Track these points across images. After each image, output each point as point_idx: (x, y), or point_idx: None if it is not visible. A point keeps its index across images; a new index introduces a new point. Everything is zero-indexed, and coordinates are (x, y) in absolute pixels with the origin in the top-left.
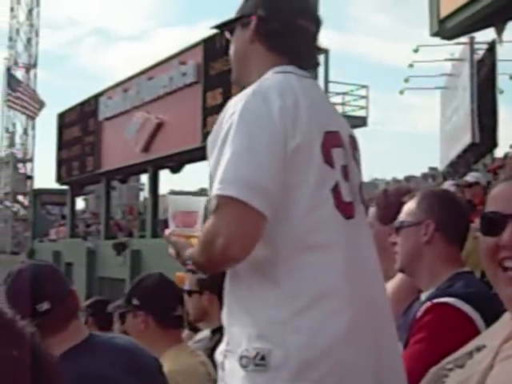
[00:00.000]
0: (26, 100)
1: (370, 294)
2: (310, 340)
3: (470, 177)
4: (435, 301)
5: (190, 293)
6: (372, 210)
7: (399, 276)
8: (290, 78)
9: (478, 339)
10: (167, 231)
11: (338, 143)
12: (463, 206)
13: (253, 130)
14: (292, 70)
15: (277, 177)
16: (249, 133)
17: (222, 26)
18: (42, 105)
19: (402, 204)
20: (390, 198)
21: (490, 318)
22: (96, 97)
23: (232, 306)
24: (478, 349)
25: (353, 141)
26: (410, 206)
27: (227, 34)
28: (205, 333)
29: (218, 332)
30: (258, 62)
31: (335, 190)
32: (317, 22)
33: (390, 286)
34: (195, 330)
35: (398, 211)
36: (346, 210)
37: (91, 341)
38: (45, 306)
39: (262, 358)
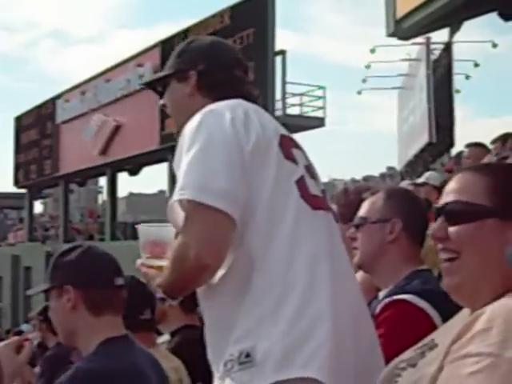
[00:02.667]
0: None
1: (342, 281)
2: (290, 328)
3: (421, 178)
4: (392, 298)
5: None
6: (332, 208)
7: (359, 274)
8: (236, 99)
9: (433, 335)
10: (138, 261)
11: (295, 145)
12: (424, 206)
13: (207, 140)
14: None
15: (236, 178)
16: (203, 143)
17: (154, 82)
18: None
19: (361, 202)
20: (351, 196)
21: (448, 315)
22: (53, 100)
23: (210, 321)
24: (431, 347)
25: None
26: (374, 202)
27: (159, 89)
28: (166, 336)
29: (177, 334)
30: (197, 110)
31: (300, 182)
32: (247, 71)
33: None
34: (158, 333)
35: (358, 209)
36: (312, 201)
37: (130, 338)
38: (120, 281)
39: (247, 355)
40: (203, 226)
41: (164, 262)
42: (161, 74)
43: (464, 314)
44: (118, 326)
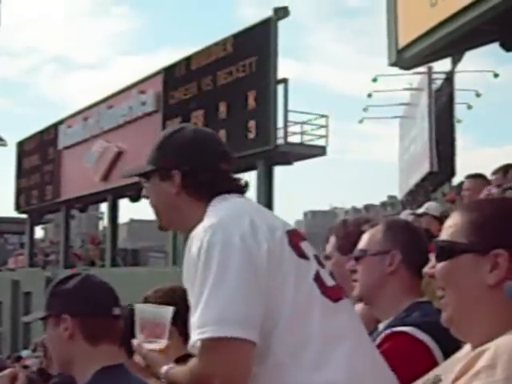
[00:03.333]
0: None
1: (375, 368)
2: None
3: (422, 208)
4: (392, 330)
5: None
6: (331, 239)
7: (359, 306)
8: (235, 202)
9: (438, 369)
10: (135, 341)
11: (301, 237)
12: (424, 237)
13: (221, 265)
14: (227, 196)
15: (252, 302)
16: (218, 269)
17: (137, 175)
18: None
19: (361, 234)
20: (350, 228)
21: (448, 347)
22: (55, 125)
23: None
24: (435, 382)
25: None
26: (374, 234)
27: (142, 181)
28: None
29: (178, 363)
30: (188, 209)
31: (317, 278)
32: (232, 160)
33: None
34: None
35: (357, 241)
36: (331, 294)
37: (125, 367)
38: (117, 311)
39: None
40: (226, 357)
41: (162, 345)
42: (142, 170)
43: (467, 349)
44: (115, 355)
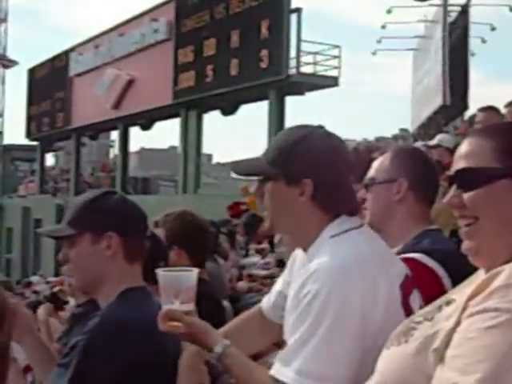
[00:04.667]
0: None
1: None
2: None
3: (434, 140)
4: (401, 256)
5: None
6: None
7: None
8: (357, 243)
9: (450, 292)
10: (171, 306)
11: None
12: (434, 166)
13: (335, 321)
14: (349, 226)
15: (354, 365)
16: (331, 324)
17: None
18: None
19: (372, 161)
20: (361, 155)
21: (457, 275)
22: (67, 52)
23: None
24: (448, 302)
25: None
26: (382, 162)
27: (259, 179)
28: None
29: None
30: (310, 221)
31: None
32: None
33: None
34: None
35: (369, 168)
36: None
37: (148, 289)
38: (149, 231)
39: None
40: None
41: (191, 308)
42: (267, 172)
43: (480, 274)
44: (141, 276)
